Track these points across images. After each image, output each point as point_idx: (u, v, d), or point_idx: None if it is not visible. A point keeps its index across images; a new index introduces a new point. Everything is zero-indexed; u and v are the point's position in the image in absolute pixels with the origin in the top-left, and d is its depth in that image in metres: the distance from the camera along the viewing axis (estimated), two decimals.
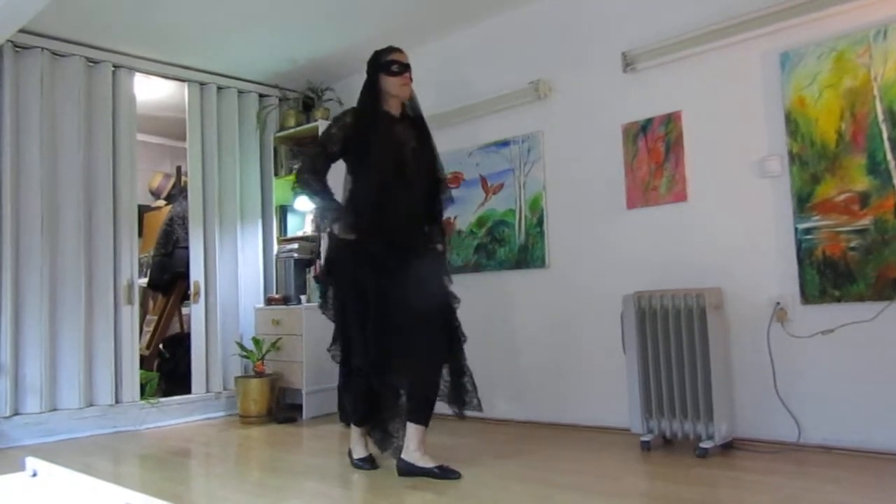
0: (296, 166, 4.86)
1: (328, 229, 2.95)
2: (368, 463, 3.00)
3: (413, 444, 2.81)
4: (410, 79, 2.99)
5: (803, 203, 3.04)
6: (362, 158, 2.90)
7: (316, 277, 3.10)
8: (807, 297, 3.03)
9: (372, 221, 2.85)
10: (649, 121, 3.53)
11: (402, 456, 2.83)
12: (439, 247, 3.08)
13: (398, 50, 3.00)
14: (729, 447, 3.07)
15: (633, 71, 3.58)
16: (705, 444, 2.98)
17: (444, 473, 2.76)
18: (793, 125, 3.07)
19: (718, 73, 3.32)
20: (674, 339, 3.10)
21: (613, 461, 3.01)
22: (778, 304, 3.09)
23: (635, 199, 3.58)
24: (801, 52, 3.06)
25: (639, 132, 3.57)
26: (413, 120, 3.05)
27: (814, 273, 3.01)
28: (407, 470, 2.80)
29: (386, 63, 2.94)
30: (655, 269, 3.45)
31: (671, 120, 3.45)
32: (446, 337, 2.91)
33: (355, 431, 3.05)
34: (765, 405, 3.11)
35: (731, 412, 3.12)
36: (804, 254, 3.04)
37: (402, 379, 2.88)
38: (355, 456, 3.04)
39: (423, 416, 2.85)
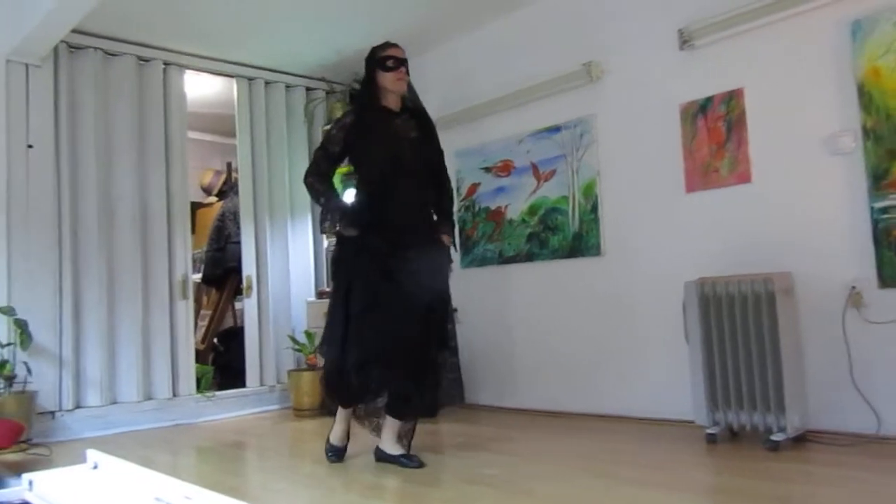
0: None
1: (335, 228, 2.93)
2: (337, 455, 3.00)
3: (388, 434, 2.90)
4: (406, 73, 2.99)
5: (879, 180, 2.86)
6: (363, 155, 2.95)
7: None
8: (884, 280, 2.85)
9: (372, 216, 2.85)
10: (709, 99, 3.38)
11: (379, 445, 2.93)
12: (446, 238, 3.01)
13: (394, 45, 3.01)
14: (801, 440, 2.92)
15: (691, 48, 3.43)
16: (776, 437, 2.83)
17: (410, 461, 2.84)
18: (866, 98, 2.89)
19: (783, 46, 3.15)
20: (741, 326, 2.96)
21: (678, 454, 2.89)
22: (853, 288, 2.91)
23: (695, 182, 3.44)
24: (874, 20, 2.87)
25: (697, 112, 3.42)
26: (413, 112, 3.05)
27: (892, 255, 2.83)
28: (380, 456, 2.93)
29: (381, 59, 2.96)
30: (718, 255, 3.30)
31: (732, 97, 3.30)
32: (434, 336, 2.89)
33: (341, 414, 3.02)
34: (840, 395, 2.94)
35: (804, 403, 2.96)
36: (881, 234, 2.85)
37: (387, 377, 2.83)
38: (332, 440, 3.02)
39: (399, 412, 2.89)
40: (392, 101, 2.99)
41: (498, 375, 4.29)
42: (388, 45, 3.01)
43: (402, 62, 2.96)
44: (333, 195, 2.98)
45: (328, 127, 3.10)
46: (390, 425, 2.91)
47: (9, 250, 3.85)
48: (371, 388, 2.88)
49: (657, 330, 3.52)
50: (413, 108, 3.05)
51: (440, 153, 3.09)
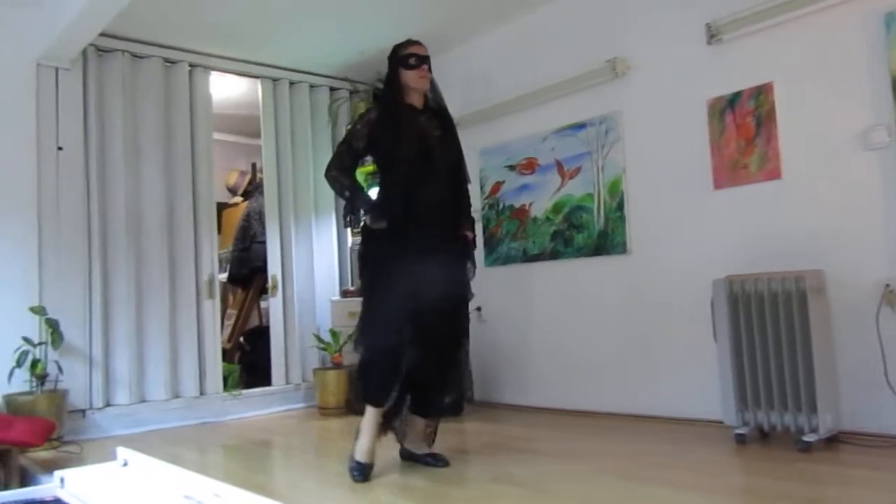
0: (368, 159, 4.85)
1: (361, 222, 2.93)
2: (363, 474, 2.71)
3: (413, 433, 2.89)
4: (429, 70, 2.97)
5: None
6: (388, 151, 2.91)
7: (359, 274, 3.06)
8: None
9: (401, 209, 2.83)
10: (737, 94, 3.32)
11: (404, 444, 2.93)
12: (469, 234, 3.02)
13: (416, 43, 2.99)
14: (834, 440, 2.86)
15: (719, 42, 3.38)
16: (808, 438, 2.78)
17: (435, 461, 2.86)
18: None
19: (814, 40, 3.09)
20: (771, 325, 2.91)
21: (707, 455, 2.85)
22: (887, 286, 2.84)
23: (722, 178, 3.39)
24: None
25: (725, 107, 3.37)
26: (435, 112, 3.03)
27: None
28: (405, 455, 2.94)
29: (404, 57, 2.94)
30: (747, 253, 3.25)
31: (761, 92, 3.24)
32: (457, 333, 2.88)
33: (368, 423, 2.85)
34: (874, 395, 2.87)
35: (836, 403, 2.90)
36: None
37: (423, 365, 2.81)
38: (357, 458, 2.74)
39: (425, 410, 2.88)
40: (415, 99, 2.98)
41: (522, 374, 4.27)
42: (409, 42, 2.99)
43: (424, 59, 2.95)
44: (358, 189, 2.96)
45: (350, 124, 3.07)
46: (415, 424, 2.91)
47: (40, 251, 3.92)
48: (402, 375, 2.82)
49: (685, 328, 3.47)
50: (435, 108, 3.04)
51: (461, 153, 3.07)
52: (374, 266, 2.88)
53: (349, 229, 3.27)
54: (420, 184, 2.86)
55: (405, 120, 2.91)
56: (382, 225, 2.83)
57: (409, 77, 2.93)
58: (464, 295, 2.93)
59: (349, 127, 3.07)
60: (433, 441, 2.94)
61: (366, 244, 2.95)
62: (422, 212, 2.84)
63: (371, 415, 2.79)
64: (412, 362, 2.76)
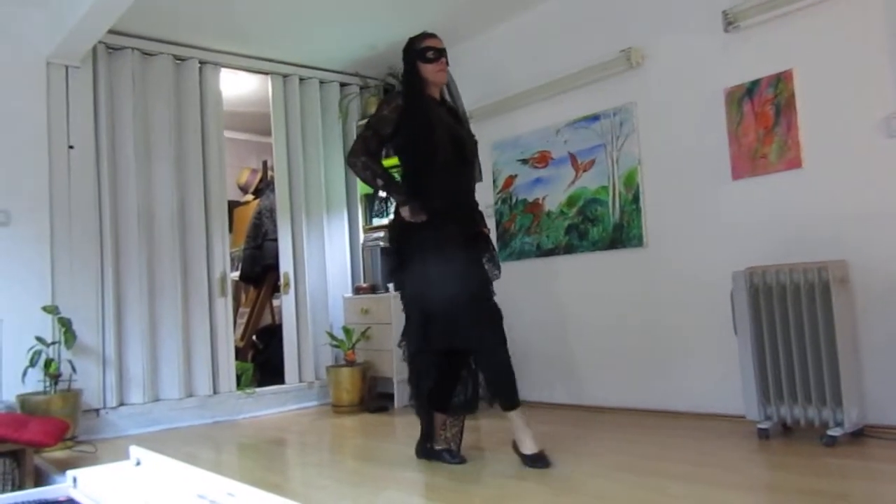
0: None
1: (392, 213, 2.88)
2: (453, 455, 2.84)
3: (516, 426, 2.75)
4: (446, 63, 2.93)
5: None
6: (420, 140, 2.81)
7: (390, 271, 3.01)
8: None
9: (442, 202, 2.78)
10: (756, 83, 3.25)
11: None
12: (486, 230, 3.01)
13: (432, 35, 2.94)
14: (859, 435, 2.80)
15: (736, 30, 3.31)
16: (833, 432, 2.71)
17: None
18: None
19: (835, 25, 3.01)
20: (793, 317, 2.84)
21: (730, 450, 2.79)
22: None
23: (742, 168, 3.32)
24: None
25: (744, 96, 3.30)
26: (450, 107, 3.00)
27: None
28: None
29: (421, 50, 2.89)
30: (767, 244, 3.19)
31: (781, 80, 3.17)
32: (499, 318, 2.83)
33: (436, 420, 2.90)
34: None
35: (861, 396, 2.83)
36: None
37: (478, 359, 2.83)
38: (438, 446, 2.88)
39: (507, 398, 2.75)
40: (433, 92, 2.94)
41: (537, 371, 4.21)
42: (425, 35, 2.94)
43: (441, 52, 2.90)
44: (391, 177, 2.89)
45: (368, 116, 3.02)
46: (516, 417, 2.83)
47: (52, 250, 3.91)
48: (455, 373, 2.85)
49: (704, 321, 3.41)
50: (450, 104, 3.02)
51: (476, 146, 3.04)
52: (414, 262, 2.80)
53: (376, 219, 3.22)
54: (453, 175, 2.82)
55: (432, 110, 2.85)
56: (422, 218, 2.75)
57: (427, 70, 2.89)
58: (487, 285, 2.88)
59: (374, 112, 2.97)
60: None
61: (403, 237, 2.85)
62: (455, 204, 2.82)
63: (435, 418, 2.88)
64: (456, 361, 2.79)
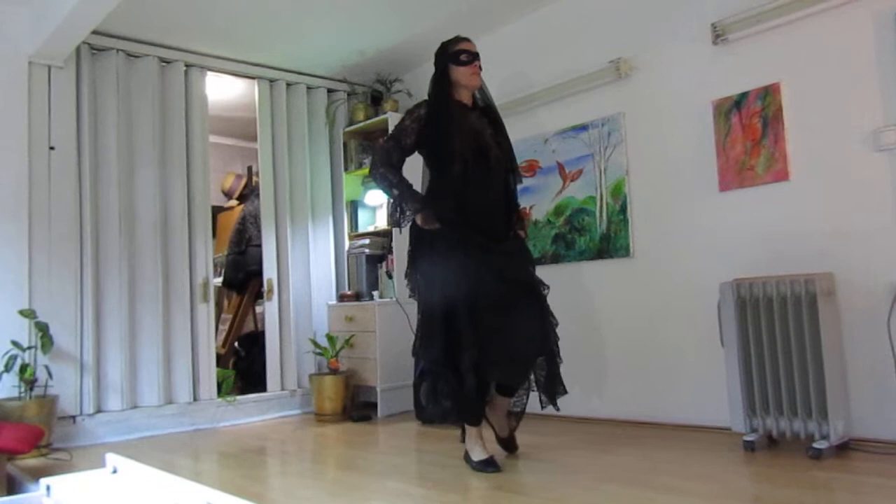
0: (366, 161, 4.79)
1: (409, 221, 2.85)
2: (492, 465, 2.76)
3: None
4: (480, 68, 2.93)
5: None
6: (440, 149, 2.82)
7: (406, 274, 2.98)
8: None
9: (457, 209, 2.77)
10: (744, 95, 3.27)
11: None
12: (521, 233, 3.03)
13: (466, 39, 2.95)
14: (845, 448, 2.80)
15: (725, 42, 3.32)
16: (819, 445, 2.71)
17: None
18: None
19: (823, 39, 3.04)
20: (780, 329, 2.84)
21: (715, 462, 2.78)
22: None
23: (729, 180, 3.33)
24: None
25: (732, 108, 3.31)
26: (484, 109, 3.00)
27: None
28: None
29: (454, 53, 2.90)
30: (754, 255, 3.19)
31: (769, 93, 3.19)
32: (541, 324, 2.85)
33: (472, 432, 2.85)
34: (885, 402, 2.81)
35: (847, 409, 2.84)
36: None
37: (498, 372, 2.83)
38: (475, 458, 2.80)
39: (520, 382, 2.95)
40: (464, 96, 2.93)
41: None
42: (459, 39, 2.94)
43: (475, 56, 2.91)
44: (408, 186, 2.86)
45: (400, 118, 2.98)
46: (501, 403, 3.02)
47: (30, 252, 3.83)
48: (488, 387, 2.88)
49: (691, 333, 3.40)
50: (483, 105, 3.01)
51: (513, 150, 3.05)
52: (428, 269, 2.80)
53: (396, 229, 3.21)
54: (476, 183, 2.80)
55: (458, 117, 2.84)
56: (435, 226, 2.76)
57: (461, 74, 2.89)
58: (535, 287, 2.93)
59: (399, 122, 2.96)
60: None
61: (417, 243, 2.86)
62: (477, 209, 2.79)
63: (469, 430, 2.88)
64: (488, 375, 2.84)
